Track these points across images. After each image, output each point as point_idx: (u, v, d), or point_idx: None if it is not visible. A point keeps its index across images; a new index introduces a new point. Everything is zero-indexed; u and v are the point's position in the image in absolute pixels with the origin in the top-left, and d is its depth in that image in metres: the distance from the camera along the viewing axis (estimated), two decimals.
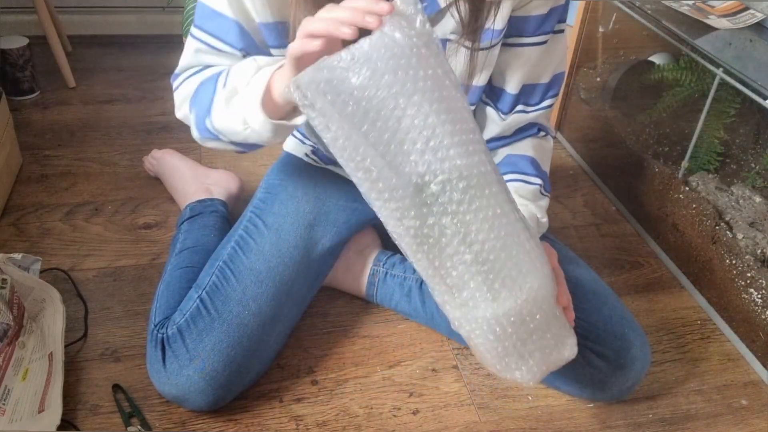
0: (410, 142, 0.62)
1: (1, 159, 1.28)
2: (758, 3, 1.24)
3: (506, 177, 0.95)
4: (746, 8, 1.25)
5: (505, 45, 0.89)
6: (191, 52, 0.88)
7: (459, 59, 0.86)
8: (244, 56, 0.85)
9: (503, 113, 0.95)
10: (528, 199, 0.94)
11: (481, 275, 0.68)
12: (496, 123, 0.96)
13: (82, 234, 1.25)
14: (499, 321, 0.70)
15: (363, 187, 0.66)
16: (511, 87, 0.93)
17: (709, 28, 1.23)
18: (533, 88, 0.94)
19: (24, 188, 1.35)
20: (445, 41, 0.84)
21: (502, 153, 0.98)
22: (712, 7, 1.29)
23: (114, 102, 1.67)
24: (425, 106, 0.61)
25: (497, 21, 0.84)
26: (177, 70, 0.92)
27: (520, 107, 0.94)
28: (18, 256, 1.04)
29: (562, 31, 0.92)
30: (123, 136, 1.54)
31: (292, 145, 1.12)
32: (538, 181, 0.94)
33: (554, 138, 1.02)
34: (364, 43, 0.59)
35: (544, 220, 0.96)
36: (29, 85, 1.64)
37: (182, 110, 0.92)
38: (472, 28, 0.82)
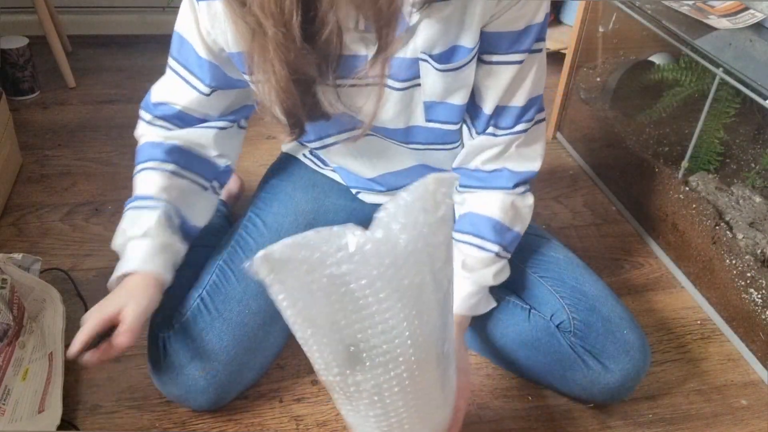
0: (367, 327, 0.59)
1: (1, 159, 1.28)
2: (758, 3, 1.24)
3: (462, 238, 0.91)
4: (746, 8, 1.25)
5: (480, 62, 0.85)
6: (169, 88, 0.91)
7: (431, 78, 0.83)
8: (211, 92, 0.89)
9: (477, 132, 0.91)
10: (474, 269, 0.90)
11: (383, 425, 0.69)
12: (466, 143, 0.92)
13: (82, 234, 1.25)
14: None
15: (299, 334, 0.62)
16: (487, 106, 0.88)
17: (709, 28, 1.23)
18: (504, 110, 0.88)
19: (24, 188, 1.35)
20: (416, 60, 0.81)
21: (467, 205, 0.93)
22: (712, 7, 1.29)
23: (114, 102, 1.67)
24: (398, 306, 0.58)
25: (467, 39, 0.80)
26: (151, 99, 0.94)
27: (490, 129, 0.89)
28: (18, 256, 1.04)
29: (539, 50, 0.86)
30: (123, 136, 1.54)
31: (290, 146, 1.12)
32: (495, 248, 0.90)
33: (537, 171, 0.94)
34: (377, 233, 0.55)
35: (498, 280, 0.92)
36: (29, 85, 1.64)
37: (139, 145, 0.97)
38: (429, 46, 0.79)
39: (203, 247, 1.09)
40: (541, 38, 0.84)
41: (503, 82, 0.85)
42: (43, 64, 1.72)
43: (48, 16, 1.64)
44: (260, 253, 0.57)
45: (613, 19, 1.54)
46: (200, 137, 0.92)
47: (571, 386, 0.97)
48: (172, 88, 0.90)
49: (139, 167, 0.93)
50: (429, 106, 0.87)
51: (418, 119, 0.89)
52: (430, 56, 0.81)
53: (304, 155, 1.10)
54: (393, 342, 0.60)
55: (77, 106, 1.64)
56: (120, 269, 0.84)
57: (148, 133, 0.94)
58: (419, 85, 0.84)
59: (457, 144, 0.94)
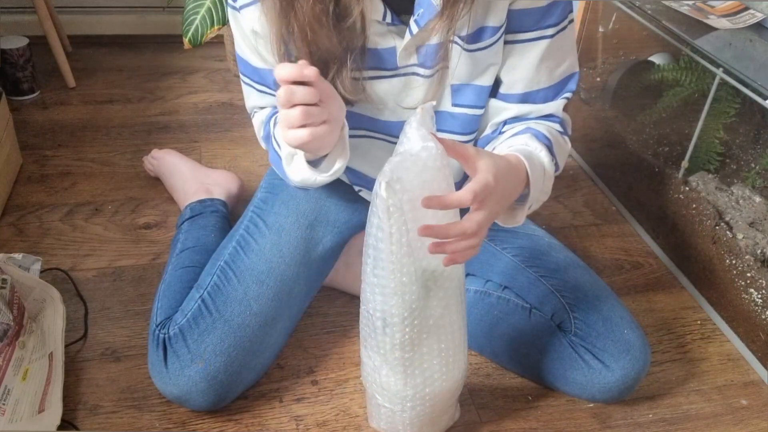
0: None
1: (1, 159, 1.28)
2: (758, 3, 1.24)
3: (514, 133, 0.89)
4: (746, 8, 1.25)
5: (507, 43, 0.86)
6: (249, 96, 0.96)
7: (459, 60, 0.85)
8: None
9: (507, 116, 0.91)
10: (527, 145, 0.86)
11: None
12: (506, 109, 0.91)
13: (82, 234, 1.25)
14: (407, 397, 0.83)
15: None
16: (517, 88, 0.89)
17: (709, 28, 1.23)
18: (534, 92, 0.89)
19: (24, 188, 1.35)
20: (443, 44, 0.82)
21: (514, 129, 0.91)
22: (712, 7, 1.29)
23: (114, 102, 1.67)
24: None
25: (493, 19, 0.82)
26: (248, 109, 0.99)
27: (523, 107, 0.90)
28: (18, 256, 1.04)
29: (565, 27, 0.86)
30: (123, 136, 1.54)
31: None
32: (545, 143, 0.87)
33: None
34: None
35: (548, 172, 0.87)
36: (29, 85, 1.64)
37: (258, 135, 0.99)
38: (451, 17, 0.79)
39: (203, 248, 1.10)
40: (564, 15, 0.85)
41: (533, 61, 0.86)
42: (43, 64, 1.72)
43: (48, 16, 1.63)
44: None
45: (613, 19, 1.54)
46: None
47: (571, 385, 0.97)
48: (256, 96, 0.94)
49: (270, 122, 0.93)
50: (456, 89, 0.88)
51: (445, 104, 0.90)
52: (459, 37, 0.82)
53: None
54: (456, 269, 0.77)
55: (77, 106, 1.64)
56: None
57: (260, 113, 0.97)
58: (446, 68, 0.85)
59: (473, 136, 0.94)
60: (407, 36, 0.81)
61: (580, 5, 1.53)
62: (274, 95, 0.89)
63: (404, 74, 0.87)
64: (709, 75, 1.30)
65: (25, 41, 1.60)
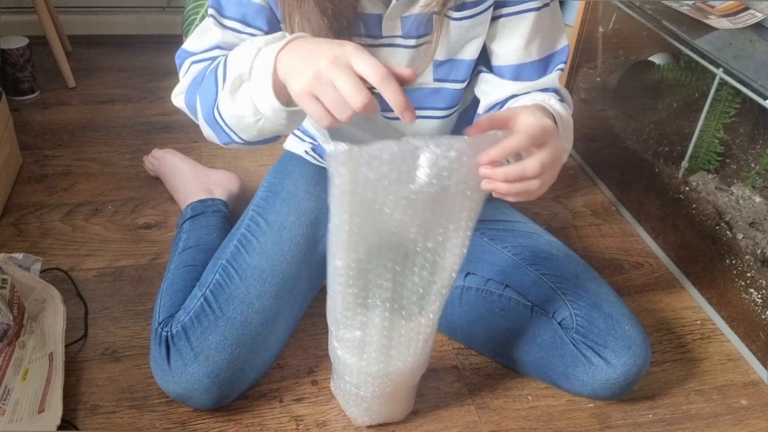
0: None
1: (1, 159, 1.28)
2: (758, 3, 1.24)
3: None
4: (746, 8, 1.25)
5: (495, 18, 0.87)
6: (209, 35, 0.84)
7: (444, 31, 0.84)
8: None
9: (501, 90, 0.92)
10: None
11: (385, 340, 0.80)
12: (501, 87, 0.91)
13: (82, 234, 1.25)
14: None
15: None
16: (510, 59, 0.89)
17: (709, 28, 1.23)
18: (526, 65, 0.90)
19: (24, 188, 1.35)
20: (430, 15, 0.83)
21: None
22: (712, 7, 1.29)
23: (114, 102, 1.67)
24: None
25: None
26: (188, 50, 0.87)
27: (515, 85, 0.90)
28: (19, 255, 1.04)
29: (549, 3, 0.87)
30: (123, 136, 1.54)
31: (292, 143, 1.12)
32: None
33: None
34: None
35: (567, 114, 0.87)
36: (29, 85, 1.64)
37: (180, 99, 0.88)
38: None
39: (205, 246, 1.10)
40: None
41: (523, 32, 0.87)
42: (43, 64, 1.72)
43: (48, 16, 1.64)
44: (348, 148, 0.64)
45: (613, 19, 1.54)
46: None
47: (573, 383, 0.97)
48: (217, 35, 0.84)
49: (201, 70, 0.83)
50: (438, 64, 0.88)
51: (426, 78, 0.90)
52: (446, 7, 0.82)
53: (306, 152, 1.10)
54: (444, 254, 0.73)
55: (77, 106, 1.64)
56: (275, 45, 0.70)
57: (193, 68, 0.85)
58: (430, 42, 0.85)
59: (453, 110, 0.95)
60: (393, 4, 0.82)
61: (580, 5, 1.53)
62: (250, 34, 0.82)
63: (388, 45, 0.87)
64: (709, 75, 1.30)
65: (25, 41, 1.60)
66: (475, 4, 0.84)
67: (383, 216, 0.68)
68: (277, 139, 0.81)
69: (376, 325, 0.78)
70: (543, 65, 0.92)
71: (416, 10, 0.83)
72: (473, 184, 0.67)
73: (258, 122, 0.73)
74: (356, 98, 0.61)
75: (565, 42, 0.93)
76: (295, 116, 0.72)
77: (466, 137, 0.66)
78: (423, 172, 0.64)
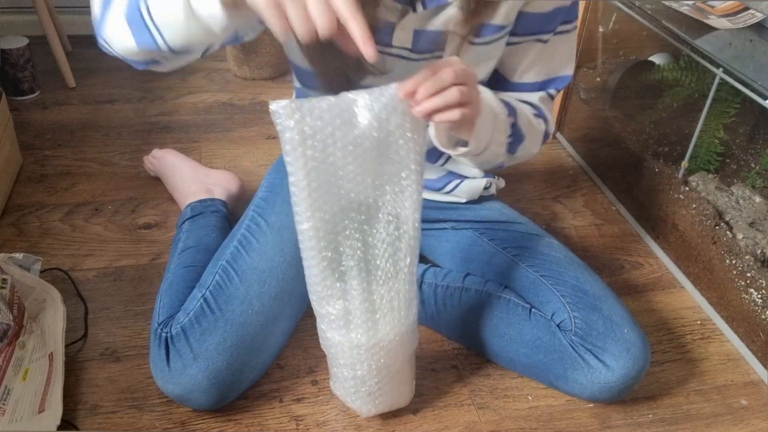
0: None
1: (1, 159, 1.28)
2: (758, 3, 1.24)
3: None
4: (746, 8, 1.25)
5: (509, 44, 0.89)
6: None
7: (462, 53, 0.86)
8: None
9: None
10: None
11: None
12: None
13: (82, 234, 1.25)
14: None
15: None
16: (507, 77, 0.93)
17: (709, 28, 1.23)
18: (524, 84, 0.94)
19: (24, 188, 1.35)
20: (442, 32, 0.84)
21: None
22: (712, 7, 1.29)
23: (114, 102, 1.67)
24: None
25: (498, 17, 0.84)
26: None
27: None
28: (19, 255, 1.04)
29: (567, 32, 0.91)
30: (123, 136, 1.54)
31: None
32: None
33: (550, 135, 1.00)
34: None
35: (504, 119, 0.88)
36: (29, 85, 1.64)
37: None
38: (472, 22, 0.82)
39: (205, 247, 1.09)
40: (568, 19, 0.88)
41: (530, 59, 0.89)
42: (43, 64, 1.72)
43: (48, 16, 1.64)
44: (289, 101, 0.66)
45: (613, 19, 1.54)
46: None
47: (571, 385, 0.97)
48: None
49: None
50: None
51: None
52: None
53: None
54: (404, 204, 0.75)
55: (77, 106, 1.64)
56: None
57: None
58: (439, 57, 0.86)
59: None
60: (410, 14, 0.82)
61: (581, 5, 1.53)
62: None
63: (396, 55, 0.87)
64: (709, 75, 1.30)
65: (25, 41, 1.60)
66: (498, 29, 0.85)
67: (337, 169, 0.71)
68: (198, 55, 0.76)
69: (355, 289, 0.78)
70: (537, 87, 0.94)
71: (433, 26, 0.83)
72: (411, 126, 0.70)
73: (188, 21, 0.67)
74: (324, 22, 0.58)
75: (568, 71, 0.95)
76: (230, 24, 0.66)
77: (396, 83, 0.69)
78: (363, 116, 0.68)
